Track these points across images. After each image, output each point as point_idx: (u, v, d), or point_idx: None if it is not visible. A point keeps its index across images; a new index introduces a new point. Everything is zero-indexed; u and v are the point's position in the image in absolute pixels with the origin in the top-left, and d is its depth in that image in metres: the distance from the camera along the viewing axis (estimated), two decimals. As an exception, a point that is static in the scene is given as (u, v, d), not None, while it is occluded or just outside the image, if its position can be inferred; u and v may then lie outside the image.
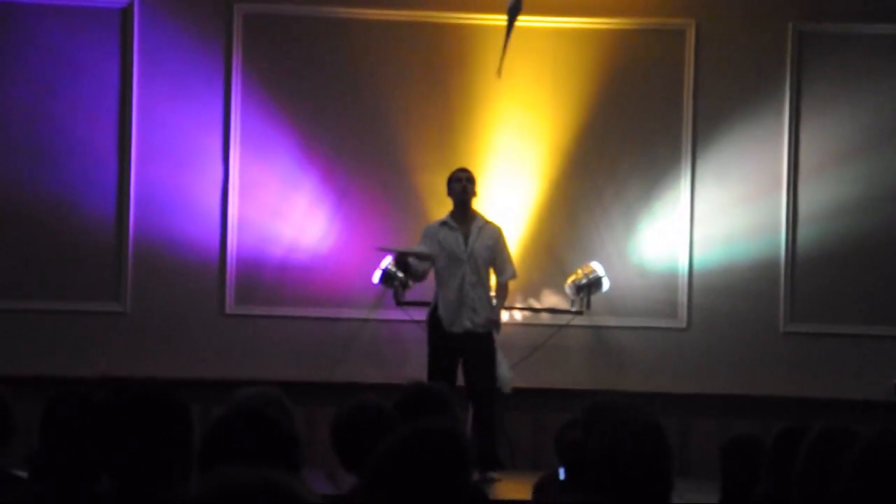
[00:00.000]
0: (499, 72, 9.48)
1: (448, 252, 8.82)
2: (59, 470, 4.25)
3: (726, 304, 9.97)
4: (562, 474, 4.55)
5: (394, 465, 2.86)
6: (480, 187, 9.73)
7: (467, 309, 8.77)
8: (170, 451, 3.21)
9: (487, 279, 8.96)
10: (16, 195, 9.85)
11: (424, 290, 9.35)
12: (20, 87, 9.91)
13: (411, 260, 8.83)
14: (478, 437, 8.69)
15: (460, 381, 8.80)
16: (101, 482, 3.36)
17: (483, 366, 8.81)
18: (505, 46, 9.43)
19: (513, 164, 10.01)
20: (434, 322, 8.82)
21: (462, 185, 8.93)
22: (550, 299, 9.92)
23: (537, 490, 4.92)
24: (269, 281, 9.95)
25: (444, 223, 8.92)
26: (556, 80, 10.06)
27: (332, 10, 10.04)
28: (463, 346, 8.75)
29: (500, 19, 9.97)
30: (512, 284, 9.16)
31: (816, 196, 10.03)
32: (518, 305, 9.87)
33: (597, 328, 9.95)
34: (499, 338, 9.30)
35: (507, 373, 9.20)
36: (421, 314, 9.33)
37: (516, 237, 9.95)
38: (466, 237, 8.86)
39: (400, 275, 9.33)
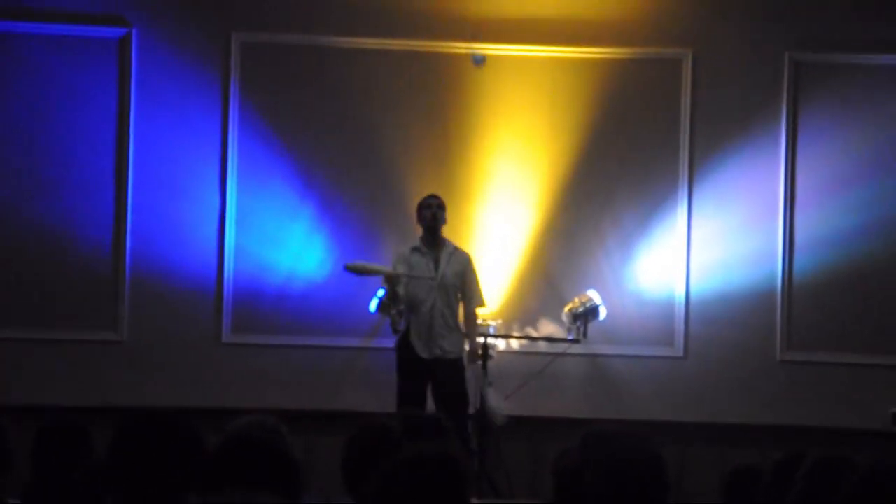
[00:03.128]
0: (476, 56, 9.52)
1: (418, 278, 8.81)
2: (52, 498, 4.24)
3: (723, 333, 9.96)
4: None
5: (393, 488, 2.85)
6: (478, 215, 9.76)
7: (437, 335, 8.75)
8: (181, 480, 3.21)
9: (456, 305, 8.94)
10: (12, 223, 9.84)
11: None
12: (17, 116, 9.91)
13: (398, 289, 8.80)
14: None
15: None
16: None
17: (453, 392, 8.75)
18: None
19: (510, 192, 10.01)
20: (403, 348, 8.81)
21: (432, 212, 8.93)
22: (547, 328, 9.91)
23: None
24: (265, 309, 9.94)
25: (415, 248, 8.92)
26: (554, 109, 10.07)
27: (330, 38, 10.06)
28: (432, 372, 8.72)
29: (497, 49, 10.00)
30: (483, 311, 9.19)
31: (813, 224, 10.03)
32: (515, 334, 9.86)
33: (594, 357, 9.94)
34: (495, 366, 9.30)
35: (499, 403, 9.17)
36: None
37: (513, 266, 9.95)
38: (437, 262, 8.85)
39: (402, 306, 9.30)
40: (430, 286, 8.79)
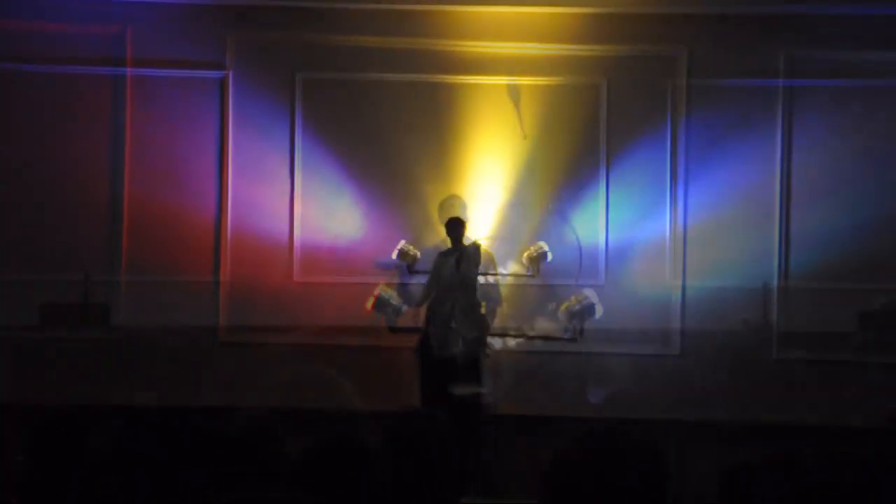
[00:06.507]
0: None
1: (442, 279, 8.84)
2: (50, 493, 4.24)
3: (719, 331, 9.96)
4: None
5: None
6: (482, 211, 9.77)
7: (456, 335, 8.75)
8: (182, 473, 3.22)
9: (476, 302, 8.93)
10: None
11: (418, 317, 9.34)
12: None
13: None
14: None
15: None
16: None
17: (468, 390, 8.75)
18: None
19: (501, 188, 10.02)
20: (424, 349, 8.81)
21: (459, 219, 9.00)
22: (544, 326, 9.91)
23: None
24: (263, 308, 9.94)
25: (442, 253, 9.01)
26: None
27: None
28: (451, 371, 8.73)
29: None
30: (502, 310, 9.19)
31: (808, 223, 10.04)
32: (512, 332, 9.86)
33: (590, 355, 9.94)
34: (491, 364, 9.33)
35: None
36: (414, 341, 9.33)
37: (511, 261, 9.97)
38: (458, 262, 8.88)
39: (394, 302, 9.30)
40: (452, 286, 8.82)
